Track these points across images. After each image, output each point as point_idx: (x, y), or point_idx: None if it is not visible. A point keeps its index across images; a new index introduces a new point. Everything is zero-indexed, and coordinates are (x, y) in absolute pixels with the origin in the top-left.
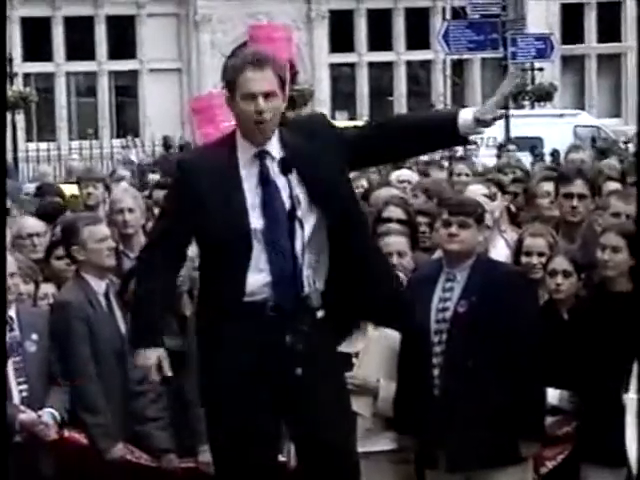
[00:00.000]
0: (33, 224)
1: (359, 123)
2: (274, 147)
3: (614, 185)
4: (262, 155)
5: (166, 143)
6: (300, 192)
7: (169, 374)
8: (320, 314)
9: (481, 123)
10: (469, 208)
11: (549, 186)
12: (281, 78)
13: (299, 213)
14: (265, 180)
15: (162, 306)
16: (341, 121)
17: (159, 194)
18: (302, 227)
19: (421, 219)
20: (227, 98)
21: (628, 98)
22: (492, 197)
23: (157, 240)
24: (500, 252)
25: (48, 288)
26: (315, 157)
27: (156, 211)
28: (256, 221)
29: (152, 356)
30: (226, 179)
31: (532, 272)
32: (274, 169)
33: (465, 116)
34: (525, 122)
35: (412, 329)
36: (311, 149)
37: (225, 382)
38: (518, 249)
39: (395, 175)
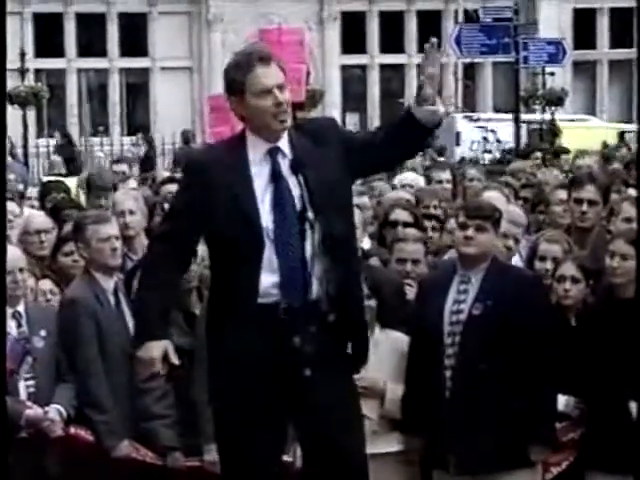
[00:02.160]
0: (41, 220)
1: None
2: (285, 146)
3: (563, 194)
4: (274, 152)
5: (185, 137)
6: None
7: (176, 362)
8: (331, 317)
9: (423, 97)
10: (486, 212)
11: (564, 194)
12: (283, 71)
13: (309, 214)
14: (277, 177)
15: (165, 301)
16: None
17: (167, 189)
18: (312, 228)
19: (428, 223)
20: (232, 102)
21: None
22: (508, 199)
23: (164, 237)
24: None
25: (46, 284)
26: (321, 163)
27: (166, 206)
28: (267, 219)
29: (156, 348)
30: (236, 177)
31: (546, 277)
32: (286, 167)
33: (414, 109)
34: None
35: (425, 330)
36: (318, 154)
37: (233, 382)
38: (532, 254)
39: (398, 179)
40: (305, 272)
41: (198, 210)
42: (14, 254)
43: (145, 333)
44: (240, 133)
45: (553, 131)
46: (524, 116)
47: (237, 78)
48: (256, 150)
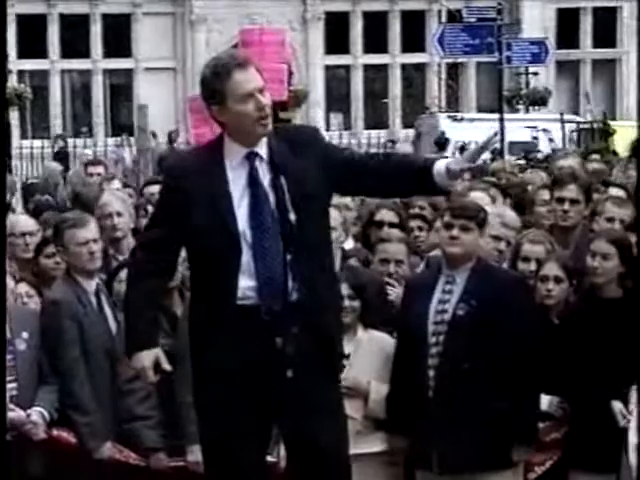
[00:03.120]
0: (26, 223)
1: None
2: (263, 150)
3: (547, 194)
4: (252, 157)
5: (170, 137)
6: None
7: (168, 369)
8: (314, 319)
9: (451, 173)
10: (471, 212)
11: (547, 194)
12: (261, 75)
13: (291, 216)
14: (254, 182)
15: (153, 309)
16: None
17: (150, 190)
18: (292, 231)
19: (414, 223)
20: (213, 110)
21: (623, 103)
22: (493, 200)
23: (148, 245)
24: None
25: (21, 288)
26: (298, 168)
27: (149, 208)
28: (244, 224)
29: (147, 358)
30: (213, 183)
31: (530, 278)
32: (263, 170)
33: (439, 166)
34: (519, 126)
35: (409, 330)
36: (297, 160)
37: (216, 383)
38: (515, 254)
39: None
40: (284, 276)
41: (178, 216)
42: None
43: (136, 343)
44: (217, 138)
45: (606, 131)
46: (568, 116)
47: (216, 87)
48: (233, 155)
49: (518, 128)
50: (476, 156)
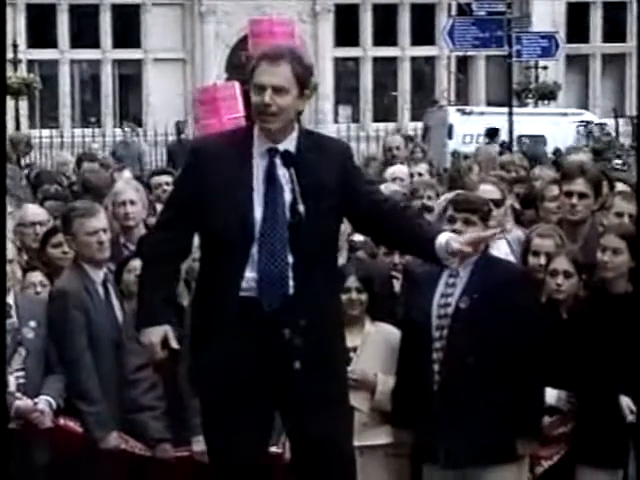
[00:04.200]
0: (36, 212)
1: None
2: (290, 146)
3: (557, 190)
4: (272, 153)
5: (178, 128)
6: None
7: (176, 347)
8: (312, 314)
9: (449, 249)
10: (475, 205)
11: (557, 189)
12: (299, 77)
13: (300, 207)
14: (270, 178)
15: (166, 287)
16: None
17: (157, 180)
18: (299, 228)
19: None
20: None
21: (632, 98)
22: (503, 193)
23: (165, 225)
24: (500, 250)
25: (36, 276)
26: (317, 170)
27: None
28: (258, 217)
29: (155, 334)
30: (237, 171)
31: (539, 272)
32: (282, 169)
33: (441, 240)
34: (528, 120)
35: (413, 323)
36: (319, 164)
37: (218, 373)
38: (525, 249)
39: (389, 172)
40: (285, 272)
41: (196, 198)
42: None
43: (145, 319)
44: (250, 124)
45: None
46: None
47: (249, 68)
48: (259, 146)
49: (527, 122)
50: (476, 244)
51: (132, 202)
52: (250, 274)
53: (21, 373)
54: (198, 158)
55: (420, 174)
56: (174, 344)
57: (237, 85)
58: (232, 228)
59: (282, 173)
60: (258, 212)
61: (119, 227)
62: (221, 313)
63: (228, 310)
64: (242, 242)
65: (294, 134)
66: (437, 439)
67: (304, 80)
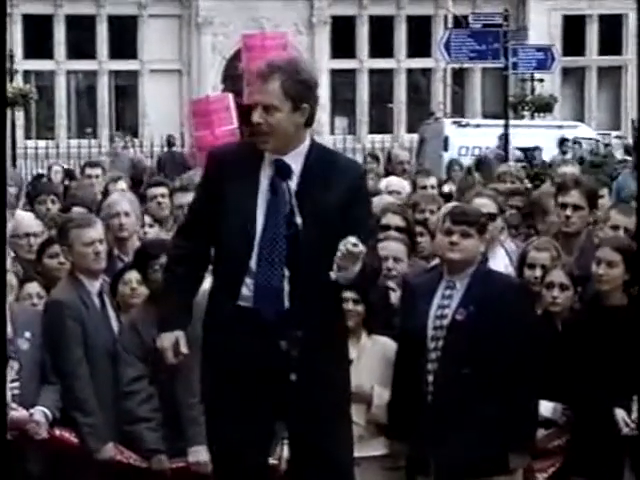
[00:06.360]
0: (30, 223)
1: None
2: (293, 161)
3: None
4: (278, 163)
5: (169, 141)
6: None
7: (185, 351)
8: (308, 327)
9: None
10: (471, 218)
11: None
12: (290, 92)
13: (297, 219)
14: (274, 190)
15: (184, 294)
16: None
17: (153, 192)
18: (298, 240)
19: (417, 229)
20: None
21: (628, 111)
22: (499, 207)
23: (186, 231)
24: (499, 262)
25: (33, 287)
26: (321, 186)
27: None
28: (259, 227)
29: (166, 339)
30: (247, 180)
31: (535, 285)
32: (286, 181)
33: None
34: (524, 133)
35: (409, 335)
36: (324, 179)
37: (219, 384)
38: (521, 261)
39: (384, 184)
40: (281, 285)
41: (210, 204)
42: None
43: (161, 324)
44: None
45: None
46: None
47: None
48: (270, 156)
49: (523, 135)
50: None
51: (126, 214)
52: (249, 283)
53: (16, 384)
54: (214, 161)
55: (433, 187)
56: (184, 349)
57: (230, 97)
58: (234, 235)
59: (285, 185)
60: (260, 222)
61: (113, 239)
62: (220, 321)
63: (226, 318)
64: (242, 250)
65: (301, 148)
66: (429, 450)
67: (296, 94)
